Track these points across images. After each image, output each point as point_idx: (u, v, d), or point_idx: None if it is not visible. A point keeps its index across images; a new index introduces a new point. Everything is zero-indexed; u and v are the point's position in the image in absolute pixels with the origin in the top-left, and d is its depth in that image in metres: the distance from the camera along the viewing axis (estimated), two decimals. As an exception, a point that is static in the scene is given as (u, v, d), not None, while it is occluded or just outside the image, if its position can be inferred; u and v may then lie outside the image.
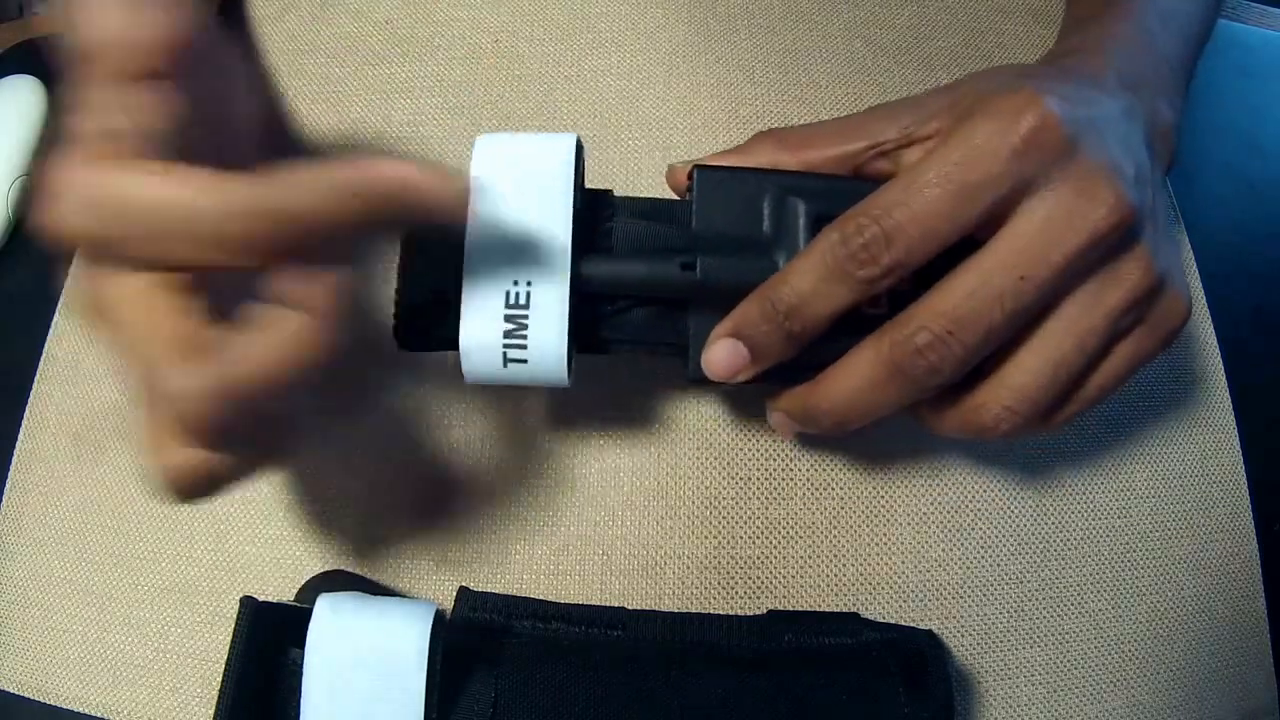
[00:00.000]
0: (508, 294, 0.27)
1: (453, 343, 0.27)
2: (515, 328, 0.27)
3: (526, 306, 0.27)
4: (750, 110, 0.40)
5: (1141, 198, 0.26)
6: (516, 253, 0.27)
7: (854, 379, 0.27)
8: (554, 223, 0.27)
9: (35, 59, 0.46)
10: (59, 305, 0.39)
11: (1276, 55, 0.49)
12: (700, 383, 0.29)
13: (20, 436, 0.37)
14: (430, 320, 0.28)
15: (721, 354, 0.28)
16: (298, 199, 0.21)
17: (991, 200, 0.25)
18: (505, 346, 0.27)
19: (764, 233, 0.29)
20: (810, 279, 0.26)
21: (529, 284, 0.27)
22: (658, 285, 0.28)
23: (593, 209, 0.29)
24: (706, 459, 0.35)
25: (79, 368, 0.38)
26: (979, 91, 0.28)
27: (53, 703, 0.33)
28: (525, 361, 0.27)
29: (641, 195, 0.31)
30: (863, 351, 0.27)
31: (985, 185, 0.25)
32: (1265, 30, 0.50)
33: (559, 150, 0.28)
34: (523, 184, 0.27)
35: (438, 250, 0.28)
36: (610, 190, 0.30)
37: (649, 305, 0.29)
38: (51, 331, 0.39)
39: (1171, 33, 0.34)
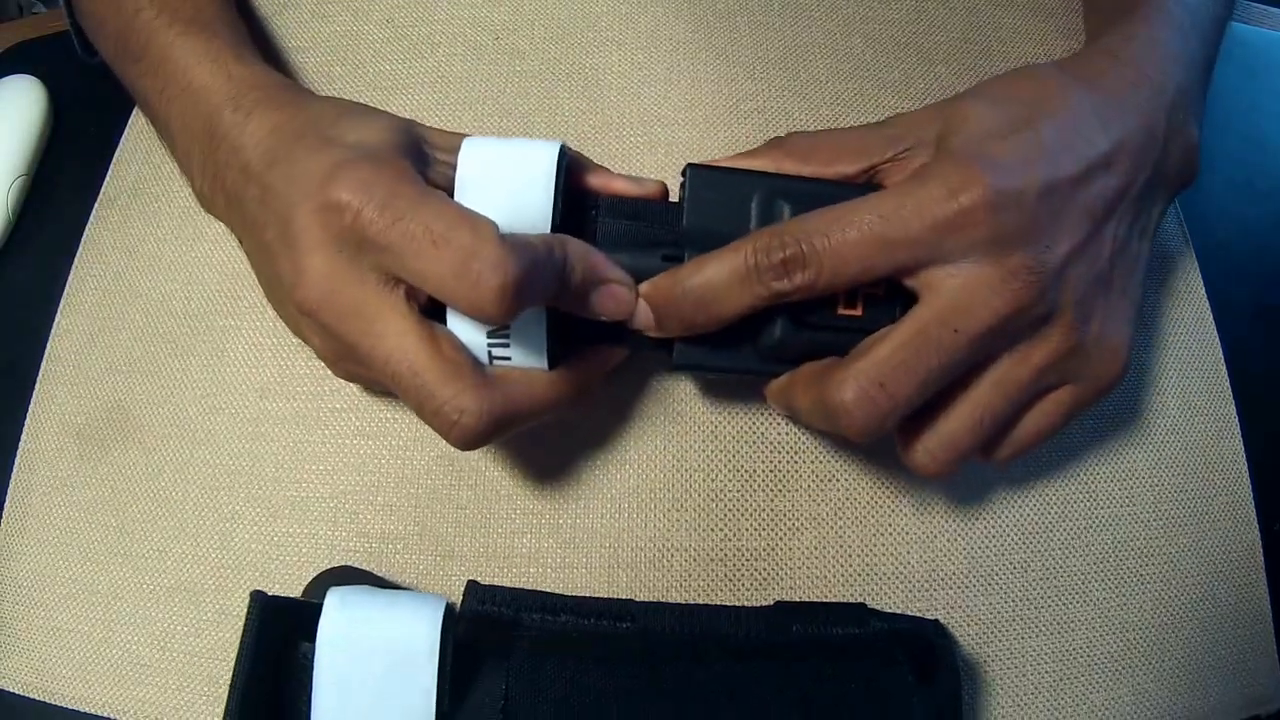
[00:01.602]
0: None
1: None
2: (499, 327, 0.28)
3: None
4: (751, 106, 0.40)
5: (1055, 283, 0.27)
6: None
7: (796, 406, 0.30)
8: (534, 226, 0.28)
9: (35, 59, 0.46)
10: (61, 304, 0.39)
11: (1278, 55, 0.49)
12: (685, 369, 0.31)
13: (24, 436, 0.37)
14: None
15: (640, 311, 0.29)
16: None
17: (905, 259, 0.27)
18: (490, 345, 0.28)
19: (750, 231, 0.29)
20: (724, 277, 0.28)
21: None
22: (641, 277, 0.29)
23: (577, 210, 0.30)
24: (712, 452, 0.35)
25: (82, 367, 0.38)
26: (953, 142, 0.28)
27: (57, 703, 0.33)
28: (509, 359, 0.29)
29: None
30: (804, 388, 0.29)
31: (904, 245, 0.27)
32: (1267, 30, 0.51)
33: (542, 157, 0.28)
34: (506, 188, 0.28)
35: None
36: (597, 193, 0.31)
37: None
38: (54, 330, 0.38)
39: (1201, 36, 0.33)
